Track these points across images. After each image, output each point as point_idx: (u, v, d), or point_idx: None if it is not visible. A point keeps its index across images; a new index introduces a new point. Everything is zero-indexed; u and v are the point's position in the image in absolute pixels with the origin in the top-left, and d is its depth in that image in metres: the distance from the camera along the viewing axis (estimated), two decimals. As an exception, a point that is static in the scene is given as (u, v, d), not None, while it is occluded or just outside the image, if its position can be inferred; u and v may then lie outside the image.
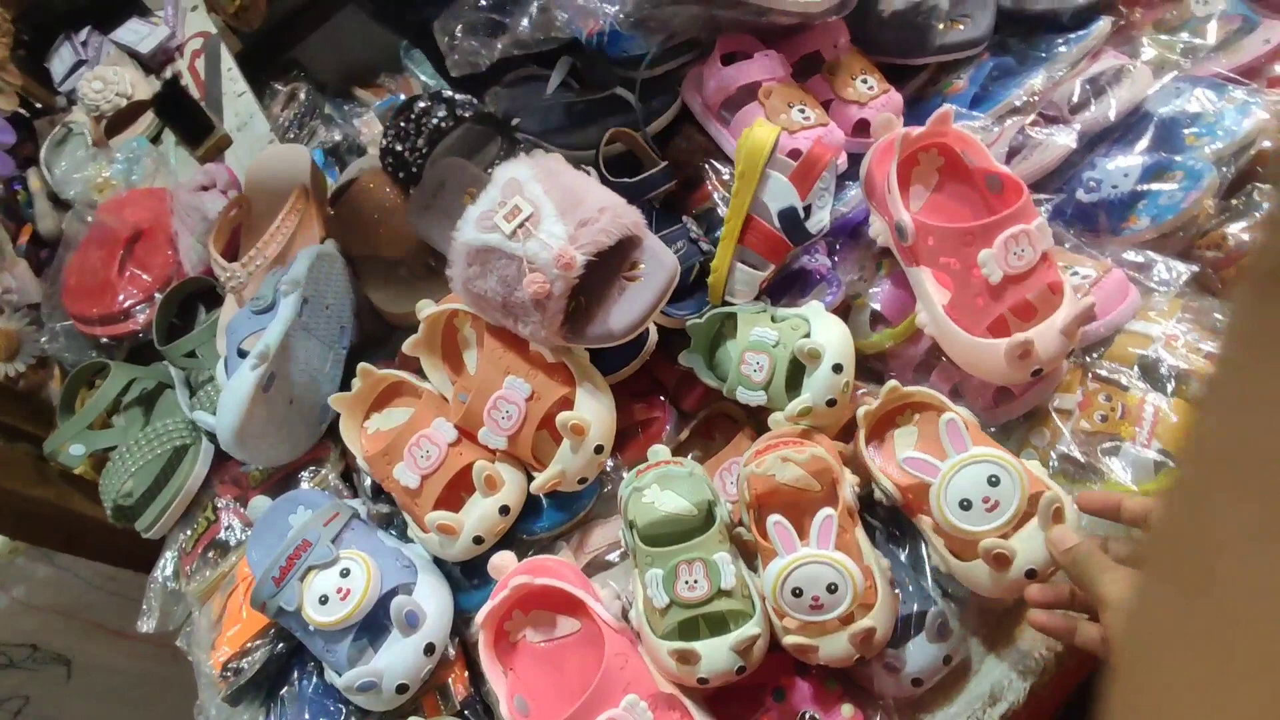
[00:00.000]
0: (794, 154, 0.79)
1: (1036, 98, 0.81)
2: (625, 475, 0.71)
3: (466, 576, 0.80)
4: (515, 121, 1.00)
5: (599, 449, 0.74)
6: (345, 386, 0.96)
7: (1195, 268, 0.73)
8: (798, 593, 0.60)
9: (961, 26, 0.86)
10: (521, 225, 0.69)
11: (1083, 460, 0.67)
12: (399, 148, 0.99)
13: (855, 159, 0.81)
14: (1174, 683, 0.22)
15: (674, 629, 0.63)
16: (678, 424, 0.86)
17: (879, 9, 0.84)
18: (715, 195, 0.86)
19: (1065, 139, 0.79)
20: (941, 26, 0.85)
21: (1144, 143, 0.79)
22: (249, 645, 0.81)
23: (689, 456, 0.85)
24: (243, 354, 0.90)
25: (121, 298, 1.16)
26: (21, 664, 1.37)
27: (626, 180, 0.86)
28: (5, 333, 1.35)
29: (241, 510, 0.93)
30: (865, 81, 0.84)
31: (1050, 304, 0.68)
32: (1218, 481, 0.22)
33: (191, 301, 1.16)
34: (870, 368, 0.82)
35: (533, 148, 0.94)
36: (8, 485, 1.06)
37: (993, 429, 0.72)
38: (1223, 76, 0.81)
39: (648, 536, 0.71)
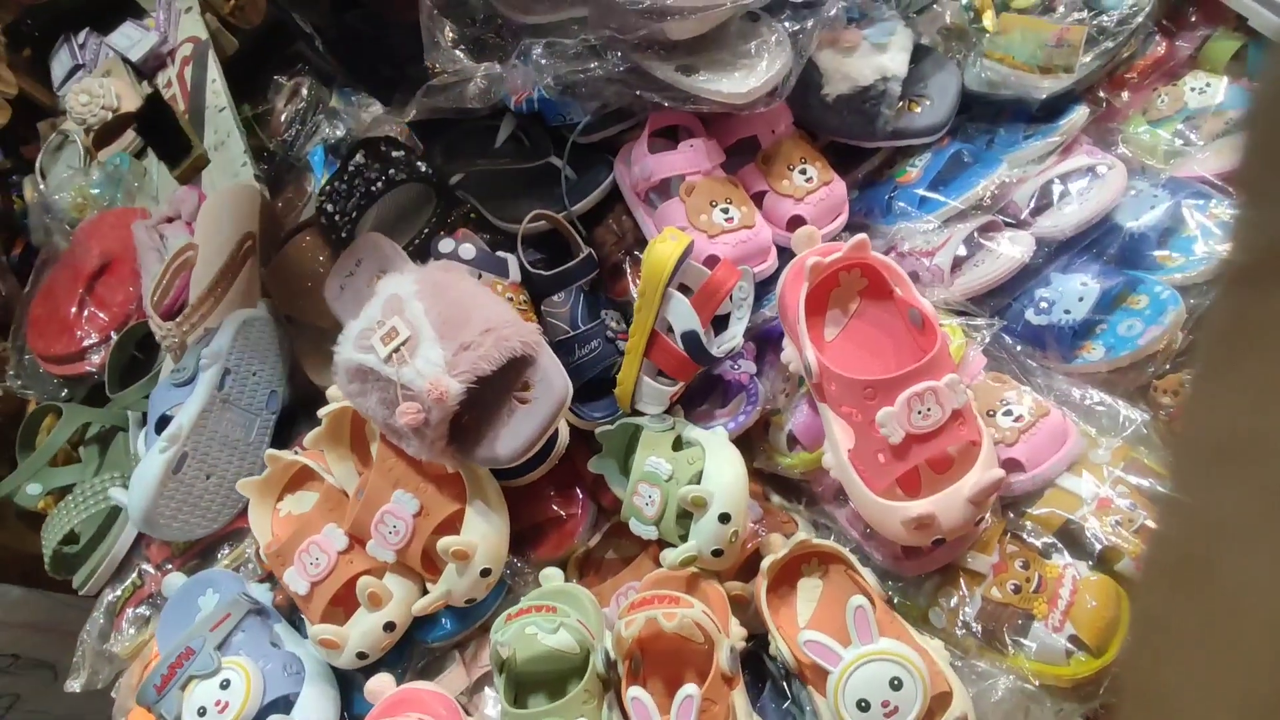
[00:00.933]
0: (710, 261, 0.73)
1: (993, 196, 0.73)
2: (496, 622, 0.67)
3: (366, 672, 0.79)
4: (455, 179, 0.96)
5: (485, 571, 0.71)
6: (281, 445, 0.95)
7: (1146, 414, 0.65)
8: (651, 772, 0.57)
9: (919, 109, 0.77)
10: (397, 350, 0.65)
11: (988, 633, 0.61)
12: (330, 208, 0.95)
13: (789, 255, 0.74)
14: (1177, 675, 0.23)
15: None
16: (595, 520, 0.83)
17: (822, 93, 0.76)
18: (636, 284, 0.80)
19: (1019, 250, 0.71)
20: (897, 109, 0.77)
21: (1106, 259, 0.70)
22: (156, 725, 0.82)
23: (599, 563, 0.82)
24: (165, 423, 0.90)
25: (79, 336, 1.17)
26: (6, 670, 1.43)
27: (544, 273, 0.81)
28: (-18, 357, 1.38)
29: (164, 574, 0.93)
30: (804, 172, 0.77)
31: (970, 458, 0.61)
32: (1212, 477, 0.23)
33: (146, 344, 1.16)
34: (792, 483, 0.77)
35: (457, 226, 0.89)
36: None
37: (900, 584, 0.66)
38: (1208, 183, 0.71)
39: (523, 675, 0.68)
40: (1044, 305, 0.70)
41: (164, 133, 1.60)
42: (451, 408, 0.65)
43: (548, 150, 0.89)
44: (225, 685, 0.72)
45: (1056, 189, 0.73)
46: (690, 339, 0.68)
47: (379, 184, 0.94)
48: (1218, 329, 0.24)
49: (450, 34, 0.78)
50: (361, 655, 0.73)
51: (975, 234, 0.73)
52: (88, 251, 1.26)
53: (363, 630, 0.73)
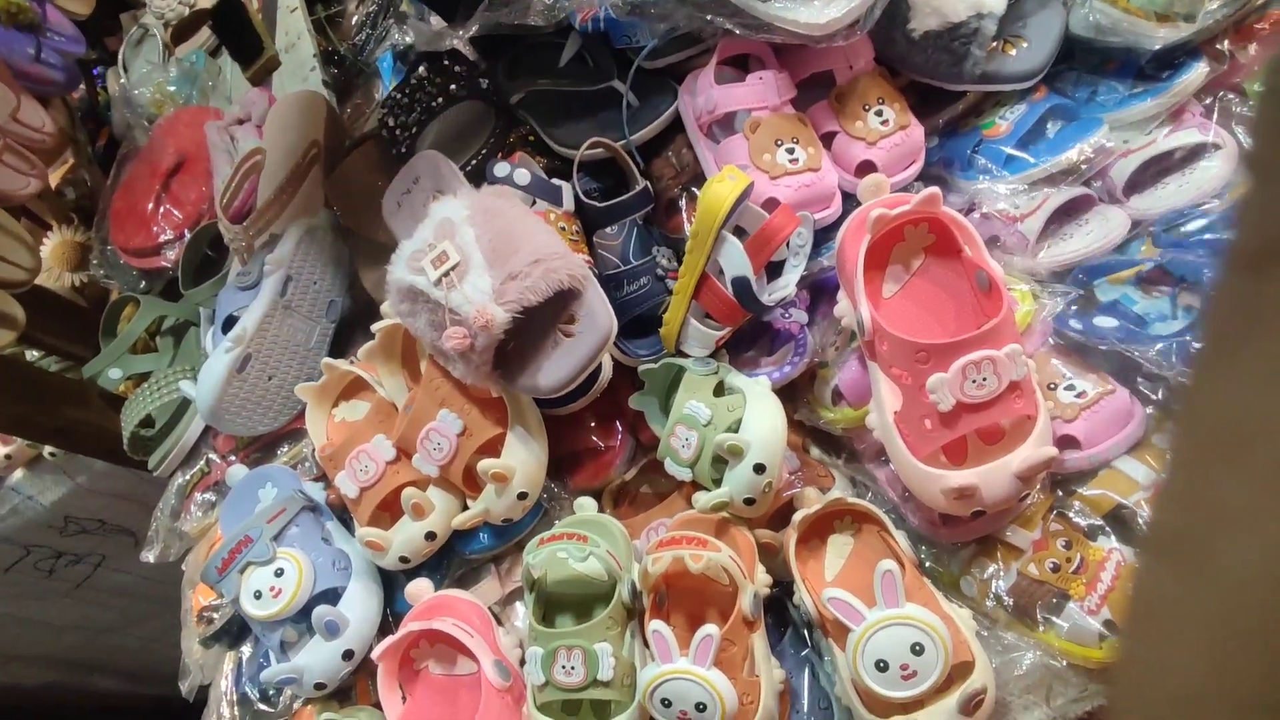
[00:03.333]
0: (770, 204, 0.70)
1: (1087, 162, 0.67)
2: (530, 544, 0.69)
3: (408, 575, 0.84)
4: (516, 98, 0.93)
5: (523, 495, 0.73)
6: (339, 352, 0.99)
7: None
8: (666, 703, 0.59)
9: (1014, 52, 0.71)
10: (447, 274, 0.65)
11: (1019, 608, 0.61)
12: (391, 122, 0.95)
13: (855, 203, 0.71)
14: (1176, 658, 0.23)
15: (551, 705, 0.64)
16: (633, 454, 0.84)
17: (908, 28, 0.70)
18: (688, 228, 0.78)
19: (1111, 228, 0.66)
20: (990, 49, 0.71)
21: None
22: (218, 601, 0.90)
23: (633, 495, 0.83)
24: (231, 323, 0.94)
25: (156, 231, 1.21)
26: (95, 532, 1.57)
27: (598, 204, 0.79)
28: (71, 243, 1.46)
29: (229, 464, 1.00)
30: (880, 114, 0.72)
31: (1023, 432, 0.59)
32: (1214, 461, 0.23)
33: (217, 243, 1.20)
34: (833, 437, 0.76)
35: (515, 148, 0.88)
36: (55, 409, 1.17)
37: (934, 549, 0.66)
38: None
39: (552, 595, 0.71)
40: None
41: (237, 31, 1.60)
42: (497, 336, 0.65)
43: (612, 73, 0.85)
44: (279, 574, 0.77)
45: (1158, 166, 0.66)
46: (741, 285, 0.66)
47: (440, 99, 0.93)
48: (1222, 313, 0.24)
49: (517, -54, 0.75)
50: (404, 560, 0.77)
51: (1066, 205, 0.68)
52: (164, 149, 1.30)
53: (406, 537, 0.76)
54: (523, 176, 0.79)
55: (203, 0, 1.73)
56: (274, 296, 0.92)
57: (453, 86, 0.92)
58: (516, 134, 0.94)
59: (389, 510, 0.80)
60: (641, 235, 0.81)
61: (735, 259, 0.65)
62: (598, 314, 0.68)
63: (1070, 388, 0.63)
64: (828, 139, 0.74)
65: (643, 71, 0.84)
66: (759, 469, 0.63)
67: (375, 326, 0.81)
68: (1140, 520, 0.59)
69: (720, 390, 0.70)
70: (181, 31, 1.71)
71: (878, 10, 0.67)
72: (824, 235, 0.73)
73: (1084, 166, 0.67)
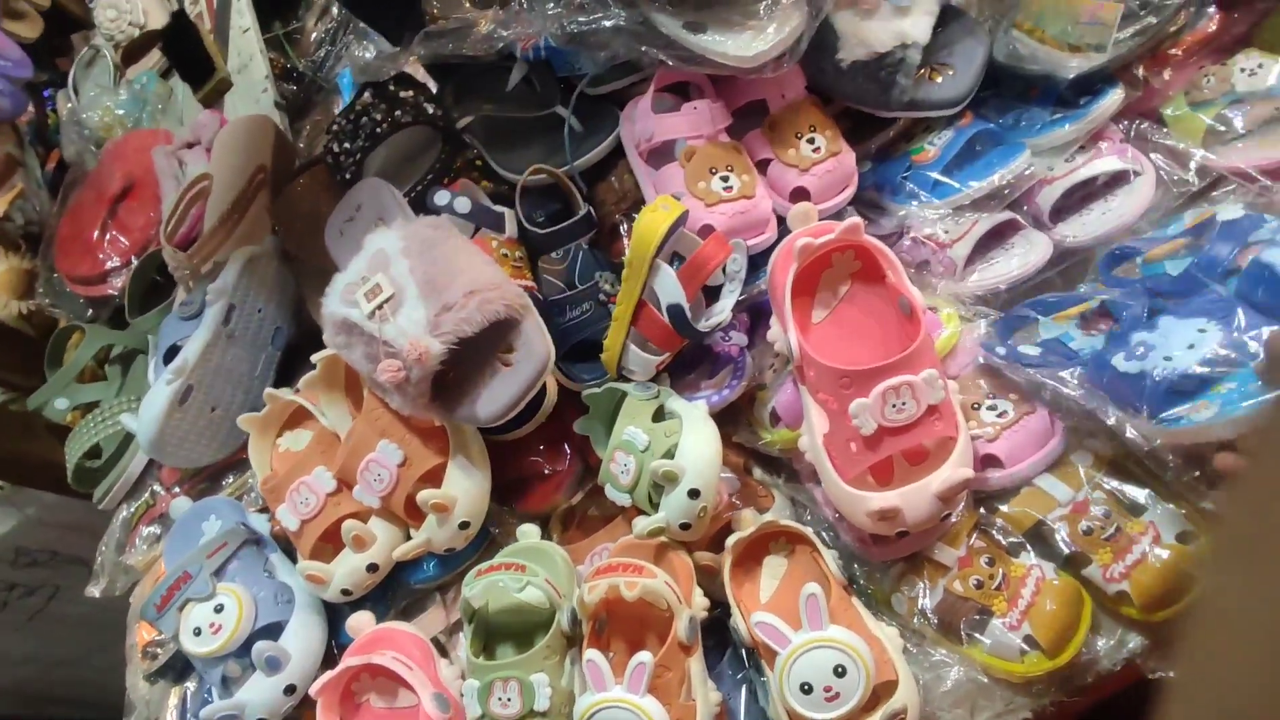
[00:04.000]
0: (705, 230, 0.71)
1: (1010, 186, 0.69)
2: (467, 575, 0.69)
3: (352, 606, 0.83)
4: (463, 123, 0.94)
5: (465, 524, 0.73)
6: (284, 381, 0.98)
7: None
8: (602, 731, 0.60)
9: (940, 80, 0.73)
10: (380, 307, 0.66)
11: (944, 624, 0.62)
12: (336, 148, 0.95)
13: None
14: (1238, 671, 0.23)
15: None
16: (581, 478, 0.84)
17: (837, 58, 0.72)
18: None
19: (1036, 254, 0.68)
20: (917, 77, 0.73)
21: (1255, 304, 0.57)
22: (162, 636, 0.88)
23: (582, 518, 0.84)
24: (174, 353, 0.93)
25: (102, 258, 1.19)
26: (46, 564, 1.54)
27: (540, 230, 0.80)
28: (18, 270, 1.43)
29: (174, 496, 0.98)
30: (812, 141, 0.74)
31: (945, 452, 0.60)
32: None
33: (165, 269, 1.18)
34: (774, 457, 0.77)
35: (461, 174, 0.88)
36: (1, 441, 1.15)
37: (866, 567, 0.67)
38: (1245, 175, 0.66)
39: (493, 625, 0.71)
40: (1140, 350, 0.57)
41: (188, 53, 1.58)
42: (432, 367, 0.66)
43: (556, 99, 0.86)
44: (219, 609, 0.76)
45: (1082, 191, 0.68)
46: (675, 312, 0.67)
47: (384, 125, 0.93)
48: None
49: (455, -24, 0.75)
50: (345, 592, 0.77)
51: (992, 230, 0.70)
52: (111, 174, 1.28)
53: (347, 569, 0.76)
54: (463, 205, 0.79)
55: (153, 21, 1.71)
56: (217, 326, 0.91)
57: (398, 112, 0.92)
58: (462, 159, 0.94)
59: (331, 542, 0.79)
60: (586, 260, 0.81)
61: (669, 287, 0.66)
62: (535, 343, 0.68)
63: (993, 407, 0.65)
64: (763, 166, 0.76)
65: (586, 98, 0.85)
66: (693, 494, 0.64)
67: (316, 356, 0.81)
68: (1058, 537, 0.61)
69: (660, 415, 0.71)
70: (131, 53, 1.69)
71: (804, 44, 0.69)
72: (762, 259, 0.74)
73: (1007, 191, 0.69)
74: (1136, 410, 0.56)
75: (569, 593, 0.69)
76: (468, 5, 0.77)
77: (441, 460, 0.74)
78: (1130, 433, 0.56)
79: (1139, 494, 0.60)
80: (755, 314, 0.78)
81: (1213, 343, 0.55)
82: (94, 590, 1.00)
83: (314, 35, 1.67)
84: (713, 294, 0.75)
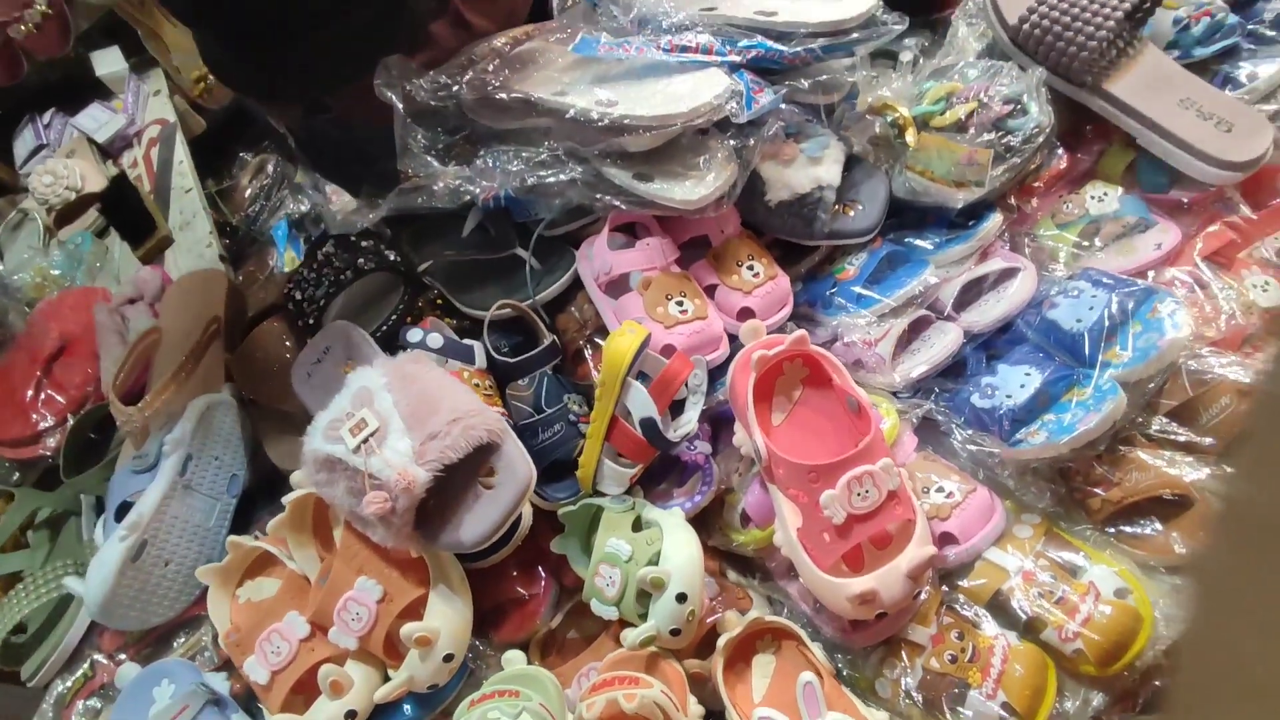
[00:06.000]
0: (667, 350, 0.78)
1: (921, 293, 0.80)
2: (460, 707, 0.69)
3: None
4: (425, 266, 1.00)
5: (449, 657, 0.72)
6: (240, 526, 0.95)
7: (1060, 489, 0.71)
8: None
9: (853, 213, 0.85)
10: (366, 441, 0.68)
11: (929, 702, 0.65)
12: (299, 295, 0.99)
13: (741, 343, 0.80)
14: (1249, 647, 0.23)
15: None
16: (558, 600, 0.85)
17: (765, 199, 0.83)
18: (597, 370, 0.85)
19: (949, 340, 0.78)
20: (833, 212, 0.85)
21: (1058, 358, 0.75)
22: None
23: (561, 643, 0.84)
24: (125, 510, 0.90)
25: (35, 419, 1.15)
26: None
27: (509, 360, 0.85)
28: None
29: (118, 664, 0.92)
30: (751, 268, 0.83)
31: (907, 535, 0.66)
32: None
33: (103, 426, 1.15)
34: (747, 558, 0.80)
35: (424, 313, 0.94)
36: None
37: (849, 656, 0.70)
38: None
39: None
40: (989, 391, 0.75)
41: (128, 212, 1.61)
42: (418, 496, 0.68)
43: (513, 242, 0.94)
44: (181, 782, 0.71)
45: (977, 288, 0.80)
46: (648, 425, 0.72)
47: (347, 273, 0.98)
48: None
49: (422, 140, 0.84)
50: (323, 745, 0.73)
51: (909, 326, 0.80)
52: (46, 333, 1.26)
53: (325, 718, 0.73)
54: (435, 340, 0.84)
55: (90, 185, 1.74)
56: (173, 477, 0.90)
57: (360, 260, 0.98)
58: (425, 299, 1.00)
59: (302, 693, 0.76)
60: (552, 384, 0.86)
61: (641, 402, 0.72)
62: (516, 464, 0.72)
63: (940, 490, 0.72)
64: (710, 290, 0.85)
65: (541, 238, 0.94)
66: (681, 598, 0.66)
67: (286, 498, 0.81)
68: (1014, 605, 0.67)
69: (638, 525, 0.74)
70: (65, 215, 1.70)
71: (738, 189, 0.80)
72: (718, 372, 0.81)
73: (918, 298, 0.80)
74: (992, 434, 0.73)
75: (561, 716, 0.69)
76: (433, 163, 0.85)
77: (422, 592, 0.74)
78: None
79: (1075, 557, 0.68)
80: (716, 423, 0.84)
81: (1036, 382, 0.73)
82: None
83: (248, 191, 1.75)
84: (675, 409, 0.81)
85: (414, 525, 0.71)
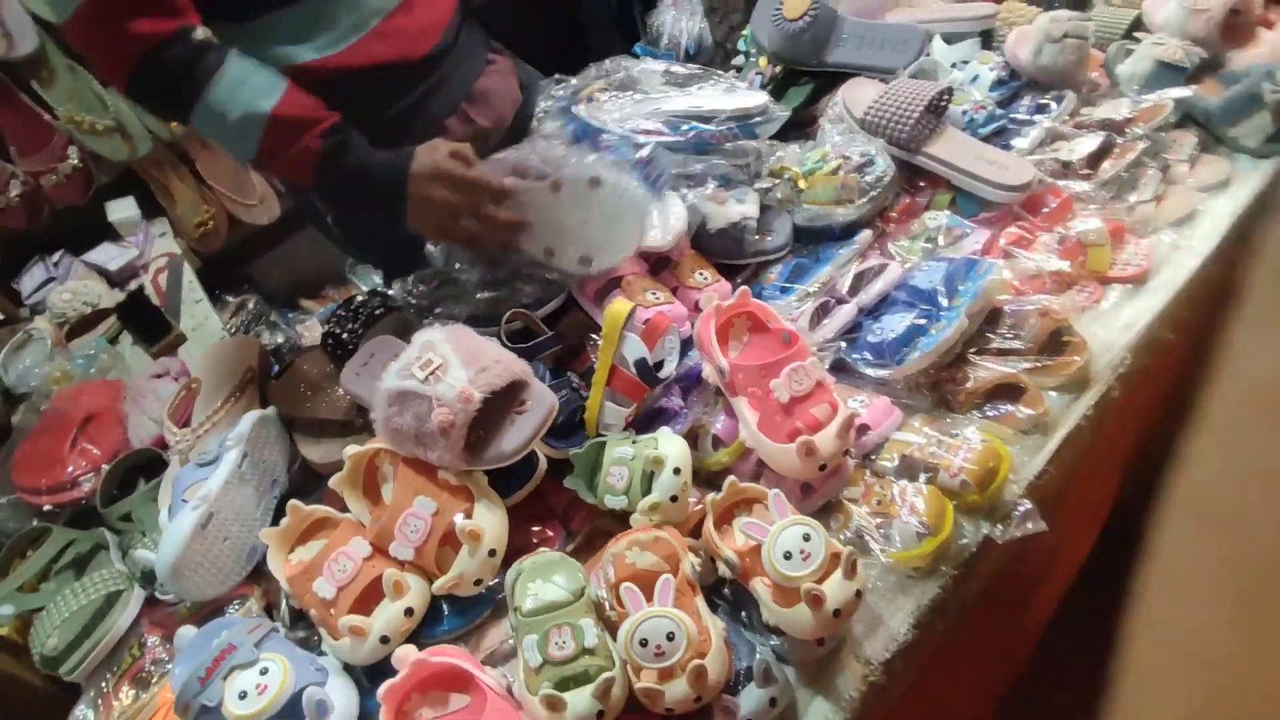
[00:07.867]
0: (645, 322, 1.05)
1: (823, 285, 1.12)
2: (513, 566, 0.86)
3: (372, 683, 0.90)
4: (438, 310, 1.25)
5: (492, 553, 0.89)
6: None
7: (934, 395, 0.99)
8: (644, 642, 0.75)
9: (769, 238, 1.19)
10: (433, 373, 0.90)
11: (869, 532, 0.87)
12: (339, 331, 1.22)
13: (697, 328, 1.08)
14: (1198, 616, 0.23)
15: (547, 687, 0.76)
16: (565, 542, 1.03)
17: (707, 228, 1.16)
18: (593, 358, 1.10)
19: (845, 314, 1.08)
20: (755, 238, 1.18)
21: (915, 305, 1.07)
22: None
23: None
24: (185, 503, 1.04)
25: (70, 469, 1.27)
26: None
27: (522, 345, 1.10)
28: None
29: (168, 645, 1.01)
30: (701, 275, 1.14)
31: (830, 418, 0.91)
32: (1252, 423, 0.23)
33: (132, 476, 1.28)
34: (716, 484, 1.02)
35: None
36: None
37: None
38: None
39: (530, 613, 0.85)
40: (877, 332, 1.04)
41: (143, 318, 1.83)
42: (473, 411, 0.89)
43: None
44: (264, 672, 0.82)
45: (862, 277, 1.13)
46: (641, 364, 0.97)
47: (379, 309, 1.23)
48: (1270, 273, 0.24)
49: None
50: (384, 639, 0.86)
51: (817, 307, 1.10)
52: (75, 406, 1.40)
53: (386, 616, 0.87)
54: (464, 334, 1.08)
55: (104, 303, 1.94)
56: (234, 467, 1.06)
57: (389, 302, 1.23)
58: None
59: (360, 609, 0.90)
60: (553, 372, 1.11)
61: (635, 347, 0.97)
62: (543, 394, 0.95)
63: (856, 400, 0.98)
64: (674, 292, 1.14)
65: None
66: (677, 471, 0.88)
67: (345, 452, 0.99)
68: (916, 460, 0.91)
69: (634, 443, 0.96)
70: (79, 328, 1.88)
71: (692, 228, 1.13)
72: (685, 345, 1.08)
73: (822, 288, 1.12)
74: (886, 361, 1.00)
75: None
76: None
77: (468, 505, 0.92)
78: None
79: (951, 428, 0.94)
80: (685, 386, 1.09)
81: (908, 320, 1.02)
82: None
83: (230, 326, 1.99)
84: (659, 369, 1.06)
85: (465, 446, 0.91)
